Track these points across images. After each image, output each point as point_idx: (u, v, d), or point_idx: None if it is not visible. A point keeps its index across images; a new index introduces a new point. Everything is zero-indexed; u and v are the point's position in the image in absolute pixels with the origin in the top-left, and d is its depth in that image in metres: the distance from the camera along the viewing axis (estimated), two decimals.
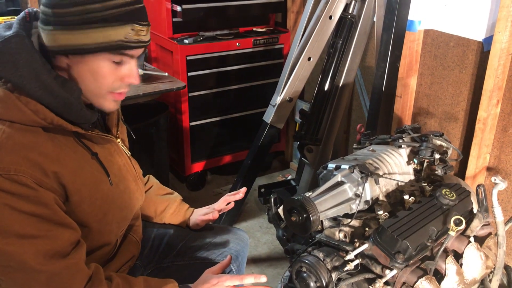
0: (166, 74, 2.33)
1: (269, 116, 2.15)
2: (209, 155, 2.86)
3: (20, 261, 0.94)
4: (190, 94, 2.61)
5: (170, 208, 1.43)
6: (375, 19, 2.09)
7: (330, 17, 2.03)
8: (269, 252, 2.39)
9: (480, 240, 1.37)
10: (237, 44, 2.66)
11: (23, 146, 0.96)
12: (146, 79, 2.29)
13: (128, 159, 1.23)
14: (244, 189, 1.46)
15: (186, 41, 2.52)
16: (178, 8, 2.45)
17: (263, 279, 1.17)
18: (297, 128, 2.97)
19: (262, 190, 2.61)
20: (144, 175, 1.40)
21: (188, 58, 2.53)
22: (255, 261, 2.32)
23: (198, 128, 2.74)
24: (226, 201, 1.46)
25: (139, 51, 1.06)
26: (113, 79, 1.05)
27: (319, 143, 2.16)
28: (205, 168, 2.86)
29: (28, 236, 0.95)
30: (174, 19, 2.58)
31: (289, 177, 2.90)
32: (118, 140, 1.20)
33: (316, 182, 2.28)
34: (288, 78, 2.08)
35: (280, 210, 1.53)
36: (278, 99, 2.11)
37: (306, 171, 2.27)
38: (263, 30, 2.83)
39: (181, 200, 1.46)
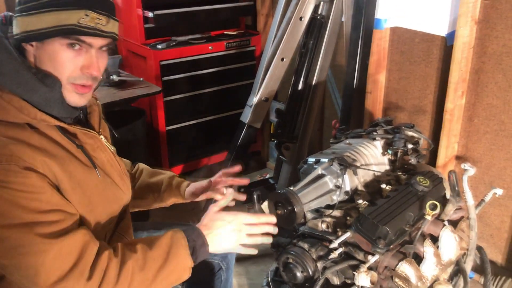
0: (142, 79, 2.35)
1: (246, 116, 2.20)
2: (186, 158, 2.89)
3: (26, 245, 0.97)
4: (165, 99, 2.64)
5: (162, 187, 1.46)
6: (343, 19, 2.16)
7: (301, 18, 2.09)
8: None
9: (453, 224, 1.45)
10: (210, 47, 2.70)
11: (11, 139, 0.99)
12: (121, 85, 2.30)
13: (112, 155, 1.25)
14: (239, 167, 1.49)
15: (159, 46, 2.55)
16: (150, 14, 2.48)
17: (273, 219, 1.22)
18: (272, 129, 3.03)
19: (242, 190, 2.64)
20: None
21: (162, 63, 2.56)
22: (238, 260, 2.34)
23: (174, 132, 2.77)
24: (224, 176, 1.48)
25: (98, 41, 1.07)
26: (71, 68, 1.06)
27: (295, 141, 2.22)
28: (183, 171, 2.88)
29: (31, 224, 0.97)
30: (146, 25, 2.60)
31: (267, 176, 2.96)
32: (101, 136, 1.22)
33: (294, 178, 2.34)
34: (263, 79, 2.14)
35: (264, 206, 1.58)
36: (254, 99, 2.16)
37: (284, 168, 2.33)
38: (234, 33, 2.88)
39: (171, 177, 1.49)
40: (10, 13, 1.10)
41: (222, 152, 2.95)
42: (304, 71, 2.17)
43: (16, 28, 1.05)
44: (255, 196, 1.64)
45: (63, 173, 1.05)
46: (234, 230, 1.16)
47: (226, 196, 1.27)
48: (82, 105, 1.14)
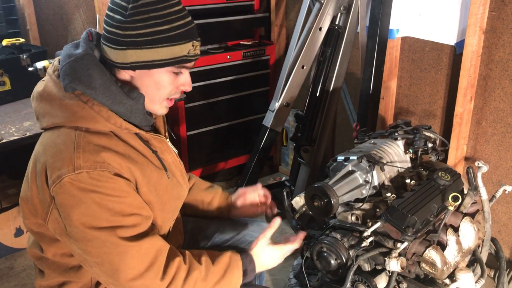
0: None
1: (268, 120, 2.32)
2: (205, 162, 3.00)
3: (110, 245, 1.09)
4: (186, 105, 2.75)
5: (215, 199, 1.59)
6: (358, 30, 2.31)
7: (320, 29, 2.23)
8: None
9: (470, 217, 1.58)
10: (228, 57, 2.83)
11: (102, 147, 1.11)
12: None
13: (176, 156, 1.38)
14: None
15: None
16: None
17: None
18: (284, 134, 3.16)
19: None
20: None
21: None
22: None
23: (194, 137, 2.88)
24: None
25: (193, 63, 1.23)
26: (171, 88, 1.22)
27: (314, 144, 2.35)
28: (201, 175, 3.00)
29: (115, 227, 1.09)
30: None
31: (284, 178, 3.08)
32: (167, 140, 1.35)
33: (312, 180, 2.46)
34: (284, 85, 2.26)
35: (294, 201, 1.70)
36: (276, 104, 2.28)
37: (303, 170, 2.45)
38: (250, 43, 3.01)
39: (222, 191, 1.62)
40: (94, 30, 1.23)
41: (238, 156, 3.06)
42: (322, 77, 2.30)
43: (121, 58, 1.15)
44: (284, 193, 1.77)
45: (143, 177, 1.17)
46: (276, 262, 1.39)
47: (274, 226, 1.40)
48: (164, 114, 1.29)
